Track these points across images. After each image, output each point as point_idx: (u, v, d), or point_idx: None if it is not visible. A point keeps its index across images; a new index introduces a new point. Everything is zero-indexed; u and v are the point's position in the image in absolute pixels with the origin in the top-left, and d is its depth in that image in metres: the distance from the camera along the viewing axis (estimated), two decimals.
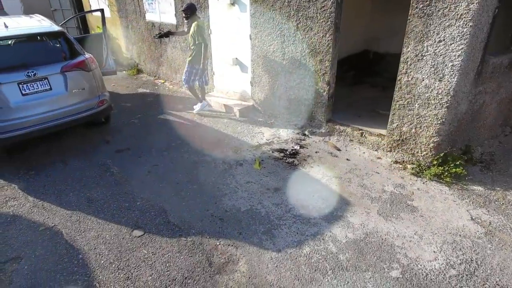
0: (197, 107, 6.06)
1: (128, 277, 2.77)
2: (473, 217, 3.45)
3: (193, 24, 5.42)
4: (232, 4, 5.59)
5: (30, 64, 4.14)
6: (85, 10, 9.80)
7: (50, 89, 4.24)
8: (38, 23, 4.63)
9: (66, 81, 4.34)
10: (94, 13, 9.33)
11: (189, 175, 4.22)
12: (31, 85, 4.10)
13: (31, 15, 5.45)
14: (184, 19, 5.66)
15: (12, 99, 3.99)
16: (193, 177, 4.17)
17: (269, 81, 5.62)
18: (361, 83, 6.94)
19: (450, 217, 3.44)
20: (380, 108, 5.46)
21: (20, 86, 4.03)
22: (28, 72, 4.03)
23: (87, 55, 4.70)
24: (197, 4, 6.21)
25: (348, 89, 6.50)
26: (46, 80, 4.19)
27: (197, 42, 5.41)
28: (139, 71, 8.63)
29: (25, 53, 4.18)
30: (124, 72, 8.73)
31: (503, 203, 3.65)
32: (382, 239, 3.16)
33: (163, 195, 3.83)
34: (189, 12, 5.43)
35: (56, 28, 4.44)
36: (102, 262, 2.92)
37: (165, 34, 6.06)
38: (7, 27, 4.22)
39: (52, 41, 4.38)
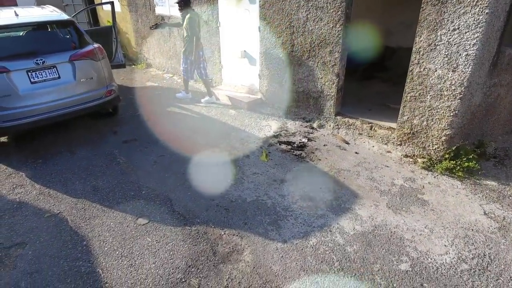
0: (179, 94, 6.39)
1: (132, 264, 2.74)
2: (486, 212, 3.33)
3: (187, 16, 5.54)
4: None
5: (39, 52, 4.15)
6: (95, 1, 9.87)
7: (59, 77, 4.24)
8: (49, 13, 4.65)
9: (75, 70, 4.34)
10: (104, 7, 9.39)
11: (195, 165, 4.18)
12: (40, 73, 4.11)
13: (43, 5, 5.48)
14: (179, 11, 5.80)
15: (21, 87, 4.00)
16: (199, 167, 4.13)
17: (277, 74, 5.55)
18: (372, 77, 6.82)
19: (462, 212, 3.33)
20: (391, 102, 5.35)
21: (29, 74, 4.04)
22: (37, 60, 4.04)
23: (96, 45, 4.70)
24: None
25: (358, 84, 6.40)
26: (55, 68, 4.20)
27: (190, 35, 5.58)
28: (148, 65, 8.64)
29: (35, 42, 4.20)
30: (133, 66, 8.75)
31: None
32: (391, 232, 3.07)
33: (168, 185, 3.80)
34: (183, 3, 5.61)
35: (65, 17, 4.45)
36: (106, 249, 2.90)
37: (160, 25, 6.27)
38: (17, 15, 4.24)
39: (61, 30, 4.39)
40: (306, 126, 5.19)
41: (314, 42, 4.84)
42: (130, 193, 3.66)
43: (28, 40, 4.15)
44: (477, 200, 3.50)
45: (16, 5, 13.34)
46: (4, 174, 4.05)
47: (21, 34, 4.12)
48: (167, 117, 5.65)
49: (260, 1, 5.30)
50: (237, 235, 3.05)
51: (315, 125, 5.18)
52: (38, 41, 4.22)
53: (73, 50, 4.41)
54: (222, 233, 3.08)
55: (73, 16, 6.38)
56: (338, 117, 5.00)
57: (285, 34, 5.17)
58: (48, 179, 3.93)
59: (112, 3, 6.59)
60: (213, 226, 3.16)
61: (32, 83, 4.06)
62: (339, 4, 4.39)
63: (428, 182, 3.81)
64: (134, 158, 4.36)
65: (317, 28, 4.73)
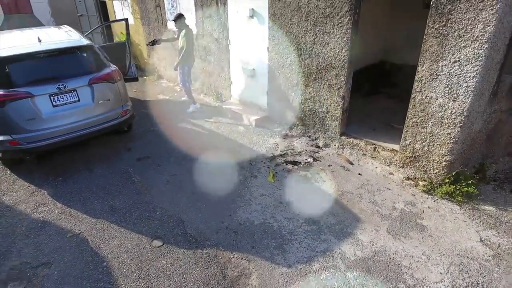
0: (189, 110, 6.78)
1: (148, 287, 2.98)
2: (482, 239, 3.49)
3: (183, 32, 6.23)
4: (251, 16, 5.74)
5: (61, 76, 4.42)
6: (110, 15, 10.16)
7: (78, 100, 4.51)
8: (67, 35, 4.90)
9: (93, 93, 4.61)
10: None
11: (205, 185, 4.41)
12: (61, 97, 4.38)
13: (59, 26, 5.76)
14: (175, 26, 6.46)
15: (44, 110, 4.28)
16: (209, 188, 4.36)
17: (285, 93, 5.75)
18: (377, 93, 6.97)
19: (459, 238, 3.50)
20: (395, 121, 5.50)
21: (51, 98, 4.31)
22: (59, 85, 4.31)
23: (113, 67, 4.96)
24: (217, 15, 6.41)
25: (364, 100, 6.55)
26: (75, 92, 4.47)
27: (185, 48, 6.22)
28: (159, 77, 8.90)
29: (56, 66, 4.45)
30: (145, 77, 9.03)
31: None
32: (390, 258, 3.26)
33: (181, 206, 4.04)
34: (179, 21, 6.28)
35: (85, 42, 4.71)
36: (124, 271, 3.15)
37: (157, 41, 6.88)
38: (40, 41, 4.51)
39: (81, 54, 4.64)
40: (312, 145, 5.39)
41: (320, 65, 5.03)
42: (145, 213, 3.90)
43: (50, 65, 4.41)
44: (474, 226, 3.66)
45: (31, 12, 13.75)
46: (28, 192, 4.33)
47: (44, 58, 4.36)
48: (178, 133, 5.89)
49: (269, 23, 5.50)
50: (245, 259, 3.27)
51: (320, 143, 5.37)
52: (60, 65, 4.47)
53: (92, 73, 4.66)
54: (231, 256, 3.31)
55: (88, 33, 6.69)
56: (343, 137, 5.18)
57: (292, 55, 5.36)
58: (69, 198, 4.21)
59: (126, 20, 6.86)
60: (223, 249, 3.39)
61: (54, 106, 4.34)
62: (345, 30, 4.56)
63: (428, 207, 3.98)
64: (148, 177, 4.61)
65: (323, 52, 4.91)
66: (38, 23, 13.98)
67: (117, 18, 9.93)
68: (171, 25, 7.73)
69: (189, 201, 4.12)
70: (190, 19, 7.08)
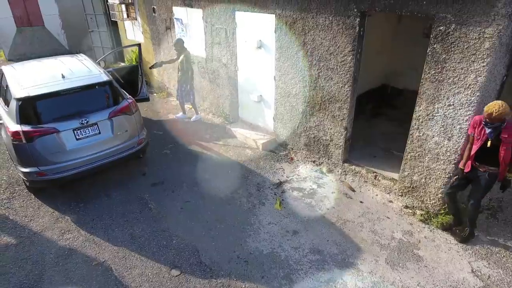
0: (178, 115, 7.95)
1: None
2: (474, 270, 3.80)
3: (182, 55, 7.10)
4: (259, 47, 6.06)
5: (83, 111, 4.76)
6: (120, 32, 10.52)
7: (99, 133, 4.85)
8: (87, 70, 5.21)
9: (113, 125, 4.95)
10: (128, 37, 10.03)
11: (217, 213, 4.74)
12: (84, 131, 4.72)
13: (75, 55, 6.10)
14: (175, 50, 7.28)
15: (68, 144, 4.62)
16: (221, 215, 4.69)
17: (290, 119, 6.08)
18: (379, 115, 7.27)
19: (452, 269, 3.81)
20: (395, 147, 5.82)
21: (75, 132, 4.66)
22: (82, 120, 4.65)
23: (130, 99, 5.29)
24: (226, 42, 6.73)
25: (366, 122, 6.87)
26: (96, 125, 4.81)
27: (185, 69, 7.17)
28: (168, 94, 9.25)
29: (79, 102, 4.79)
30: (155, 94, 9.37)
31: (504, 256, 3.98)
32: None
33: (195, 234, 4.37)
34: (178, 46, 7.11)
35: (104, 77, 5.04)
36: None
37: (158, 64, 7.67)
38: (64, 77, 4.85)
39: (101, 89, 4.98)
40: (316, 170, 5.71)
41: (324, 97, 5.34)
42: (163, 242, 4.24)
43: (73, 100, 4.73)
44: (466, 257, 3.97)
45: (43, 25, 14.12)
46: (53, 218, 4.68)
47: (67, 95, 4.69)
48: (189, 157, 6.23)
49: (276, 54, 5.82)
50: None
51: (324, 169, 5.69)
52: (82, 100, 4.80)
53: (111, 106, 5.00)
54: (243, 286, 3.63)
55: (101, 59, 7.07)
56: (345, 164, 5.50)
57: (298, 86, 5.68)
58: (91, 225, 4.55)
59: (139, 45, 7.21)
60: (235, 279, 3.71)
61: (77, 139, 4.68)
62: (348, 68, 4.87)
63: (424, 236, 4.29)
64: (163, 204, 4.95)
65: (327, 85, 5.23)
66: (49, 35, 14.43)
67: (128, 35, 10.30)
68: None
69: (202, 229, 4.45)
70: (200, 44, 7.43)
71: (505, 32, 3.45)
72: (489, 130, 3.61)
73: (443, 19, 3.73)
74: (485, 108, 3.52)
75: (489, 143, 3.66)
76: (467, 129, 3.94)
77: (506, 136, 3.54)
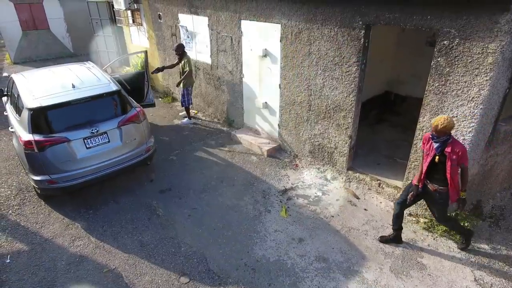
0: (184, 121, 8.08)
1: None
2: (476, 278, 3.88)
3: (185, 59, 7.38)
4: (264, 56, 6.15)
5: (93, 120, 4.86)
6: (126, 37, 10.62)
7: (108, 141, 4.95)
8: (96, 79, 5.30)
9: (122, 134, 5.04)
10: (133, 42, 10.13)
11: (224, 220, 4.84)
12: (94, 140, 4.82)
13: (83, 63, 6.19)
14: (176, 55, 7.47)
15: (78, 153, 4.72)
16: (228, 222, 4.79)
17: (295, 127, 6.16)
18: (382, 121, 7.35)
19: (455, 277, 3.89)
20: (398, 154, 5.90)
21: (85, 141, 4.76)
22: (92, 129, 4.75)
23: (138, 107, 5.39)
24: (231, 50, 6.83)
25: (369, 128, 6.95)
26: (106, 134, 4.91)
27: (187, 71, 7.36)
28: (174, 99, 9.35)
29: (89, 111, 4.88)
30: (160, 99, 9.48)
31: (506, 264, 4.06)
32: None
33: (202, 241, 4.46)
34: (180, 50, 7.37)
35: (113, 87, 5.13)
36: None
37: (161, 69, 7.93)
38: (74, 87, 4.95)
39: (110, 99, 5.08)
40: (320, 178, 5.79)
41: (329, 106, 5.43)
42: (171, 249, 4.34)
43: (83, 110, 4.83)
44: (469, 266, 4.05)
45: (48, 28, 14.25)
46: (63, 225, 4.79)
47: (77, 104, 4.79)
48: (195, 163, 6.32)
49: (281, 63, 5.91)
50: None
51: (328, 176, 5.78)
52: (92, 110, 4.90)
53: (119, 115, 5.09)
54: None
55: (108, 66, 7.17)
56: (350, 172, 5.58)
57: (303, 95, 5.77)
58: (101, 232, 4.65)
59: (145, 52, 7.32)
60: (243, 287, 3.81)
61: (87, 148, 4.78)
62: (352, 78, 4.96)
63: (428, 244, 4.37)
64: (171, 211, 5.04)
65: (332, 95, 5.31)
66: (54, 39, 14.55)
67: (133, 40, 10.41)
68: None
69: (210, 236, 4.55)
70: (205, 51, 7.53)
71: (507, 47, 3.53)
72: (437, 144, 3.65)
73: (447, 33, 3.81)
74: (432, 121, 3.59)
75: (437, 159, 3.69)
76: (470, 140, 4.03)
77: (449, 151, 3.56)
